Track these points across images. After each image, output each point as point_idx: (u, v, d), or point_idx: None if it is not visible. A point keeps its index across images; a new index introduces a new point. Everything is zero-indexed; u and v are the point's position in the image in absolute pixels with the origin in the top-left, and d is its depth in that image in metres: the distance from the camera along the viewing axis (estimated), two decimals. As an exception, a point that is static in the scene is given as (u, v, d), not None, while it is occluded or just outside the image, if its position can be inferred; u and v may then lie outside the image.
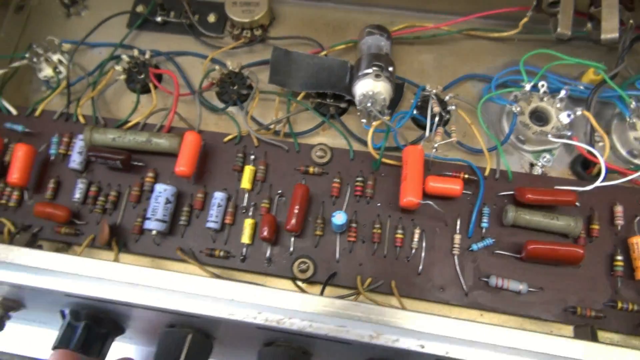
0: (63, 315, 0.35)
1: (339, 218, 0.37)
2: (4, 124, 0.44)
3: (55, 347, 0.33)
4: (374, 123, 0.41)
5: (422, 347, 0.28)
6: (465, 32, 0.47)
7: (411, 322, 0.28)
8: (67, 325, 0.33)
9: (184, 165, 0.40)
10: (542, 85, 0.42)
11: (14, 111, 0.45)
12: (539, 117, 0.43)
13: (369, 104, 0.40)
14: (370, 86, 0.40)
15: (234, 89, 0.46)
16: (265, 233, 0.38)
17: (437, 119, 0.40)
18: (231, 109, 0.46)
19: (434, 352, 0.27)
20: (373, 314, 0.29)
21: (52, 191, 0.42)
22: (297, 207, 0.38)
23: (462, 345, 0.27)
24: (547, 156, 0.43)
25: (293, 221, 0.38)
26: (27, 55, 0.47)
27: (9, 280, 0.31)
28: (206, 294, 0.30)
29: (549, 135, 0.41)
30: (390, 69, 0.41)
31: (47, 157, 0.44)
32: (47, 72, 0.48)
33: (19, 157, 0.41)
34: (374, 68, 0.41)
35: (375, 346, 0.29)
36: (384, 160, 0.41)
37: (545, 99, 0.43)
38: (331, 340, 0.30)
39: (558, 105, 0.42)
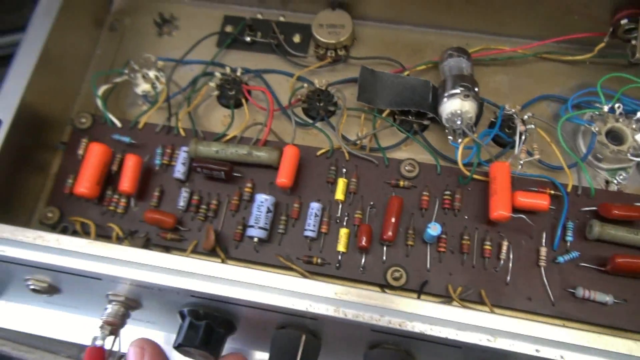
0: (182, 315, 0.38)
1: (434, 229, 0.40)
2: (112, 136, 0.47)
3: (179, 345, 0.36)
4: (461, 140, 0.43)
5: (538, 351, 0.30)
6: (539, 55, 0.50)
7: (526, 328, 0.31)
8: (189, 325, 0.36)
9: (284, 177, 0.43)
10: (619, 107, 0.45)
11: (118, 124, 0.48)
12: (615, 136, 0.45)
13: (458, 122, 0.43)
14: (458, 105, 0.43)
15: (320, 106, 0.48)
16: (363, 242, 0.41)
17: (523, 137, 0.43)
18: (318, 124, 0.48)
19: (549, 357, 0.30)
20: (486, 320, 0.31)
21: (157, 199, 0.45)
22: (393, 218, 0.41)
23: (575, 351, 0.30)
24: (623, 174, 0.45)
25: (390, 231, 0.41)
26: (125, 71, 0.51)
27: (145, 280, 0.34)
28: (330, 296, 0.32)
29: (629, 155, 0.43)
30: (476, 89, 0.44)
31: (149, 167, 0.47)
32: (143, 87, 0.51)
33: (129, 166, 0.44)
34: (462, 88, 0.43)
35: (488, 350, 0.31)
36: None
37: (621, 119, 0.45)
38: (443, 344, 0.33)
39: (634, 126, 0.45)
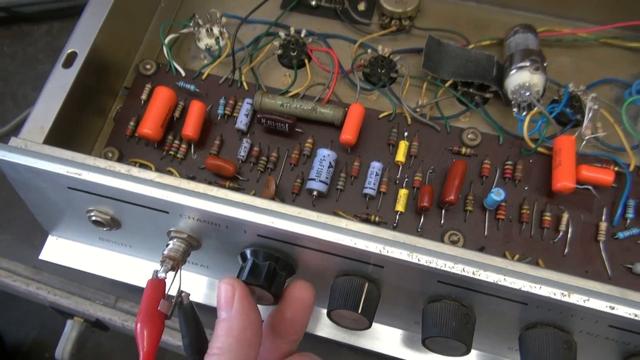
0: (244, 257, 0.38)
1: (498, 194, 0.40)
2: (177, 83, 0.48)
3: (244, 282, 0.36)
4: (526, 113, 0.43)
5: (612, 308, 0.30)
6: (603, 40, 0.50)
7: (600, 287, 0.31)
8: (252, 264, 0.36)
9: (349, 133, 0.43)
10: (684, 94, 0.45)
11: (183, 72, 0.49)
12: (678, 123, 0.45)
13: (527, 94, 0.43)
14: (527, 78, 0.43)
15: (382, 72, 0.49)
16: (425, 202, 0.41)
17: (590, 114, 0.43)
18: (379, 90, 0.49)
19: (623, 315, 0.30)
20: (558, 277, 0.32)
21: (217, 147, 0.46)
22: (456, 180, 0.41)
23: (650, 310, 0.30)
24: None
25: (452, 194, 0.41)
26: (190, 24, 0.51)
27: (217, 212, 0.34)
28: (403, 241, 0.33)
29: (693, 140, 0.43)
30: (545, 64, 0.44)
31: (210, 118, 0.47)
32: (207, 41, 0.51)
33: (194, 112, 0.45)
34: (531, 61, 0.43)
35: (556, 307, 0.31)
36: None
37: (685, 106, 0.45)
38: (509, 299, 0.33)
39: (698, 114, 0.45)
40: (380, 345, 0.42)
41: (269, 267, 0.36)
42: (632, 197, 0.42)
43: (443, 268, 0.32)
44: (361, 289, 0.35)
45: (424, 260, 0.32)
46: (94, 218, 0.40)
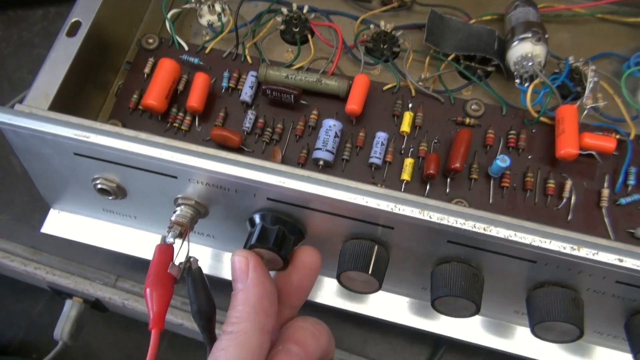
0: (252, 222, 0.38)
1: (504, 161, 0.40)
2: (180, 56, 0.48)
3: (252, 246, 0.36)
4: (529, 84, 0.44)
5: (621, 260, 0.31)
6: (601, 15, 0.51)
7: (607, 242, 0.31)
8: (262, 228, 0.36)
9: (354, 103, 0.43)
10: (681, 66, 0.46)
11: (186, 47, 0.49)
12: (675, 94, 0.46)
13: (530, 64, 0.43)
14: (529, 49, 0.44)
15: (384, 47, 0.49)
16: (431, 169, 0.41)
17: (592, 85, 0.44)
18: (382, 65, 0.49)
19: (632, 267, 0.30)
20: (567, 233, 0.32)
21: (222, 119, 0.46)
22: (462, 148, 0.41)
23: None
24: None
25: (458, 162, 0.41)
26: (192, 0, 0.51)
27: (228, 173, 0.34)
28: (414, 200, 0.33)
29: (691, 109, 0.44)
30: (547, 35, 0.45)
31: (213, 91, 0.47)
32: (209, 17, 0.51)
33: (199, 84, 0.45)
34: (533, 33, 0.44)
35: (565, 263, 0.32)
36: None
37: (682, 78, 0.46)
38: (518, 258, 0.33)
39: (695, 85, 0.46)
40: (386, 312, 0.42)
41: (279, 231, 0.36)
42: (633, 165, 0.43)
43: (455, 225, 0.32)
44: (371, 250, 0.36)
45: (435, 217, 0.32)
46: (99, 186, 0.39)
